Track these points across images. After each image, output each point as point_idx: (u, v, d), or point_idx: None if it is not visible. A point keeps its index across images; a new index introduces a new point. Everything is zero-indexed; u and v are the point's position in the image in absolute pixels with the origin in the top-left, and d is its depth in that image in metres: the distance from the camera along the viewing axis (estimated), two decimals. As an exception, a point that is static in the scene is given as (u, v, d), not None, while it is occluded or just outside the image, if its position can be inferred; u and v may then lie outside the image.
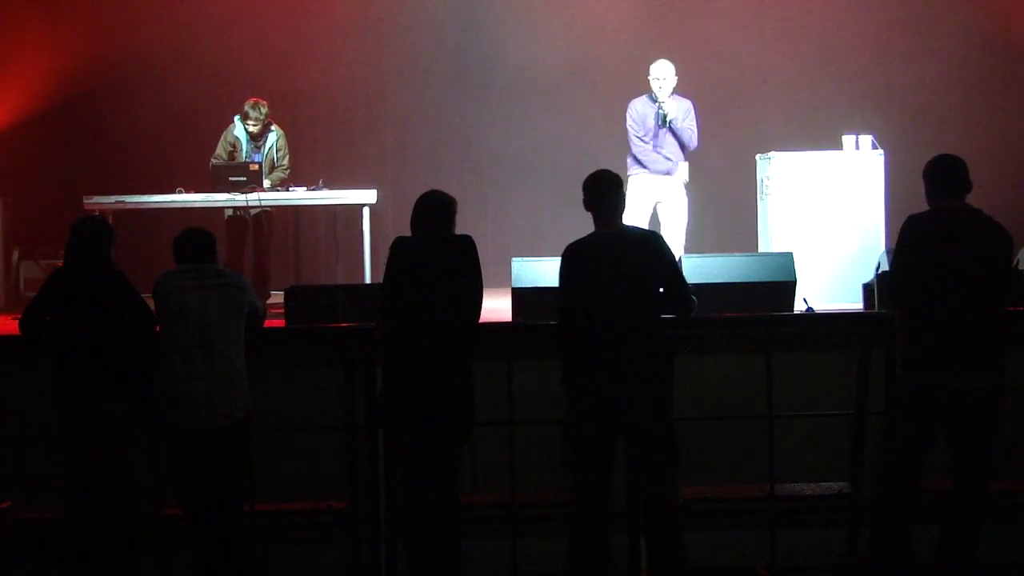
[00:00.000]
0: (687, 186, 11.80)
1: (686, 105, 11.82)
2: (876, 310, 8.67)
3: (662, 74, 11.75)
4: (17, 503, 8.83)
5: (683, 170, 11.78)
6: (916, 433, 7.10)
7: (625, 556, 8.06)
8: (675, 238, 11.53)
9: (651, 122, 11.71)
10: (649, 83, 11.78)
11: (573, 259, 7.34)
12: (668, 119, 11.64)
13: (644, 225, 11.48)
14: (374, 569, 8.52)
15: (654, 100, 11.76)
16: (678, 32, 14.28)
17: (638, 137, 11.74)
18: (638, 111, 11.82)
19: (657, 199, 11.72)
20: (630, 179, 11.68)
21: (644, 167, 11.66)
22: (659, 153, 11.59)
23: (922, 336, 7.08)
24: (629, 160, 11.78)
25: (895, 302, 7.37)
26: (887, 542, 7.19)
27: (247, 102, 12.44)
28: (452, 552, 7.50)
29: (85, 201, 11.85)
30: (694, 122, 11.79)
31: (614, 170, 7.55)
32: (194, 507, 7.62)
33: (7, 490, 8.87)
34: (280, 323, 8.90)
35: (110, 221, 11.46)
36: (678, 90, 11.73)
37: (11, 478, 8.86)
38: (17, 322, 7.84)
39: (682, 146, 11.74)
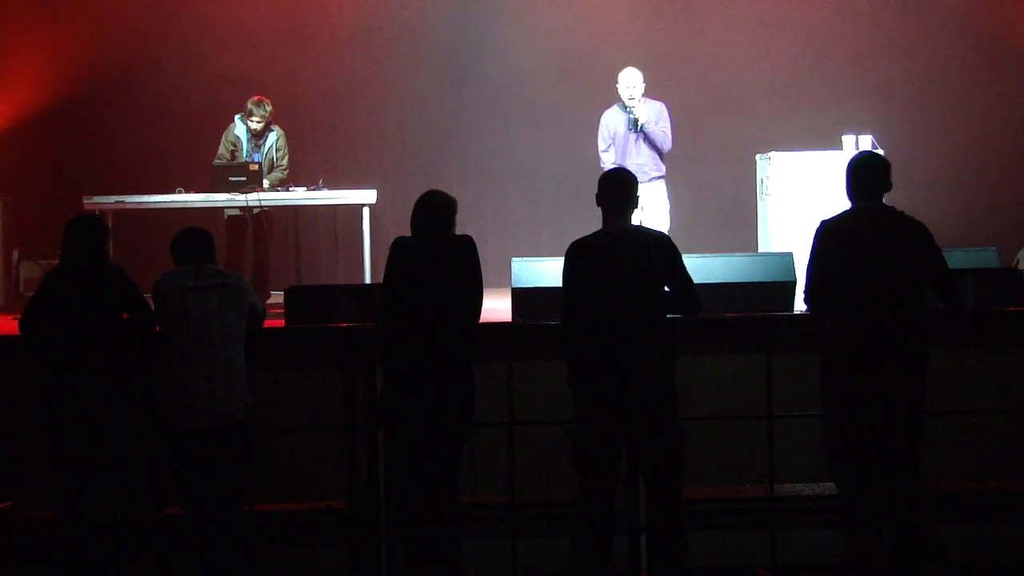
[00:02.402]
0: (670, 195, 11.87)
1: (657, 107, 11.92)
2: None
3: (630, 83, 11.91)
4: (17, 503, 8.83)
5: (659, 189, 11.84)
6: (851, 433, 7.13)
7: (625, 556, 8.06)
8: None
9: (622, 129, 11.85)
10: (618, 92, 11.92)
11: (577, 257, 7.33)
12: (640, 124, 11.76)
13: None
14: (374, 569, 8.53)
15: (625, 108, 11.89)
16: (678, 32, 14.30)
17: (603, 152, 11.90)
18: (608, 122, 12.01)
19: (641, 204, 11.63)
20: None
21: None
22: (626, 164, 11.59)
23: (841, 337, 7.12)
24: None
25: (812, 308, 7.39)
26: (855, 541, 7.23)
27: (251, 100, 12.45)
28: (452, 552, 7.49)
29: (85, 201, 11.85)
30: (667, 123, 11.87)
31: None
32: (194, 507, 7.62)
33: (7, 490, 8.88)
34: (280, 323, 8.91)
35: (110, 221, 11.53)
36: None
37: (11, 478, 8.87)
38: (17, 322, 7.84)
39: (656, 150, 11.81)
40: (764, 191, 11.50)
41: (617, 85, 11.95)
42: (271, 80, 14.32)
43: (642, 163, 11.70)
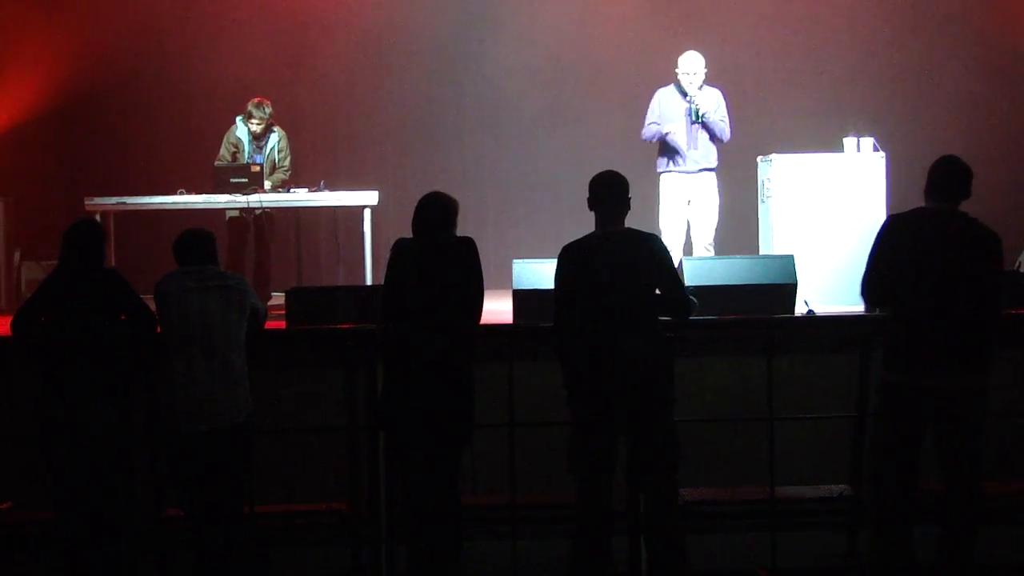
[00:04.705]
0: (720, 188, 11.59)
1: (716, 95, 11.55)
2: (876, 313, 8.65)
3: (692, 68, 11.50)
4: (18, 503, 8.84)
5: (710, 181, 11.53)
6: (904, 434, 7.08)
7: (625, 558, 8.06)
8: (704, 236, 11.46)
9: (676, 114, 11.43)
10: (677, 76, 11.54)
11: (569, 260, 7.33)
12: (701, 113, 11.39)
13: (679, 223, 11.46)
14: (375, 570, 8.53)
15: (683, 93, 11.50)
16: (678, 35, 14.27)
17: (647, 124, 11.51)
18: (661, 101, 11.54)
19: (689, 196, 11.49)
20: (661, 177, 11.53)
21: (673, 165, 11.46)
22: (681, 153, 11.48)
23: (904, 337, 7.08)
24: (659, 159, 11.57)
25: (869, 299, 7.36)
26: (886, 544, 7.17)
27: (251, 101, 12.45)
28: (453, 553, 7.50)
29: (86, 202, 11.84)
30: (726, 112, 11.53)
31: (623, 170, 7.50)
32: (195, 508, 7.63)
33: (8, 490, 8.89)
34: (281, 324, 8.91)
35: (111, 222, 11.54)
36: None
37: (11, 478, 8.88)
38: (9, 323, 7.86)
39: (713, 137, 11.45)
40: (765, 193, 11.48)
41: (676, 69, 11.54)
42: (272, 81, 14.32)
43: (697, 154, 11.43)
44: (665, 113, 11.51)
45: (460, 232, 7.58)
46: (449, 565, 7.48)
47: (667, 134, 11.41)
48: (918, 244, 7.05)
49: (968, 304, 6.99)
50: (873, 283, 7.17)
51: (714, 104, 11.49)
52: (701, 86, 11.53)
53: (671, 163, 11.48)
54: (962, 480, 7.08)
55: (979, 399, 7.05)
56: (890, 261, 7.09)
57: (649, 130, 11.56)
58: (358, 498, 8.64)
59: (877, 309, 8.15)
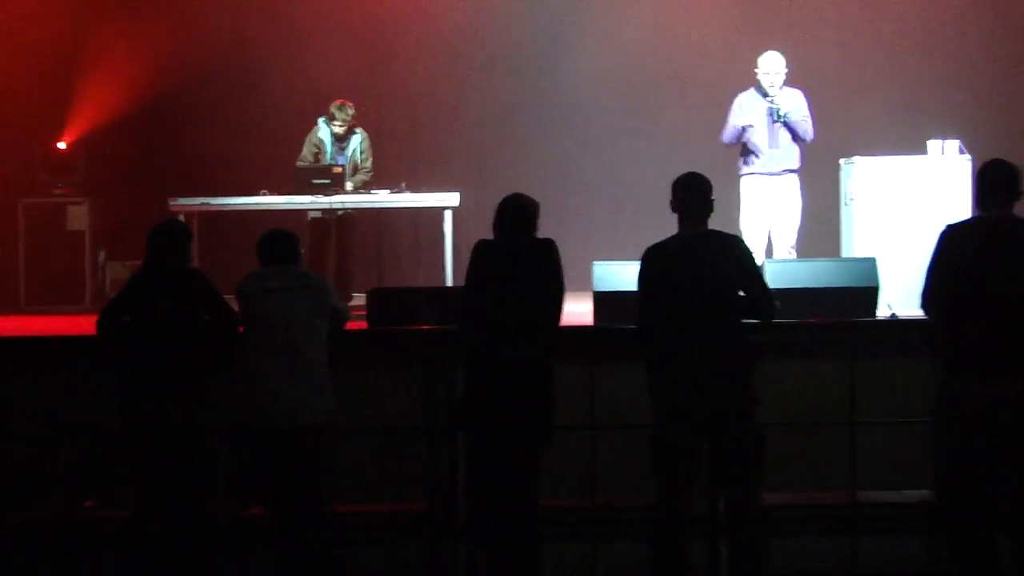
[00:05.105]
0: (803, 191, 11.49)
1: (797, 96, 11.45)
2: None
3: (772, 68, 11.41)
4: (101, 502, 8.92)
5: (792, 184, 11.42)
6: (968, 441, 7.02)
7: (704, 562, 8.03)
8: (786, 239, 11.36)
9: (759, 116, 11.33)
10: (757, 77, 11.46)
11: (652, 262, 7.30)
12: (782, 114, 11.28)
13: (761, 226, 11.39)
14: (452, 572, 8.55)
15: (764, 95, 11.41)
16: (759, 36, 14.18)
17: (731, 125, 11.39)
18: (743, 104, 11.44)
19: (772, 199, 11.38)
20: (742, 179, 11.46)
21: (754, 166, 11.37)
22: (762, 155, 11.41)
23: (962, 343, 7.01)
24: (740, 160, 11.50)
25: (930, 312, 7.28)
26: (964, 551, 7.10)
27: (333, 103, 12.51)
28: (531, 556, 7.50)
29: (170, 203, 11.95)
30: (808, 112, 11.42)
31: (705, 172, 7.47)
32: (275, 507, 7.67)
33: (91, 488, 8.96)
34: (362, 325, 8.95)
35: (195, 223, 11.64)
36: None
37: (95, 477, 8.95)
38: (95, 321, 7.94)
39: (796, 138, 11.33)
40: (848, 196, 11.40)
41: (756, 70, 11.47)
42: (354, 83, 14.36)
43: (779, 154, 11.34)
44: (747, 115, 11.42)
45: (541, 233, 7.58)
46: (527, 567, 7.48)
47: (746, 127, 11.32)
48: (978, 253, 6.98)
49: None
50: (934, 295, 7.12)
51: (795, 104, 11.40)
52: (782, 87, 11.45)
53: (752, 164, 11.39)
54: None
55: None
56: (947, 272, 7.04)
57: (728, 130, 11.48)
58: (437, 499, 8.66)
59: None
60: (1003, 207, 7.07)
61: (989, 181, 7.12)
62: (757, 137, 11.36)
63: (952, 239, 7.11)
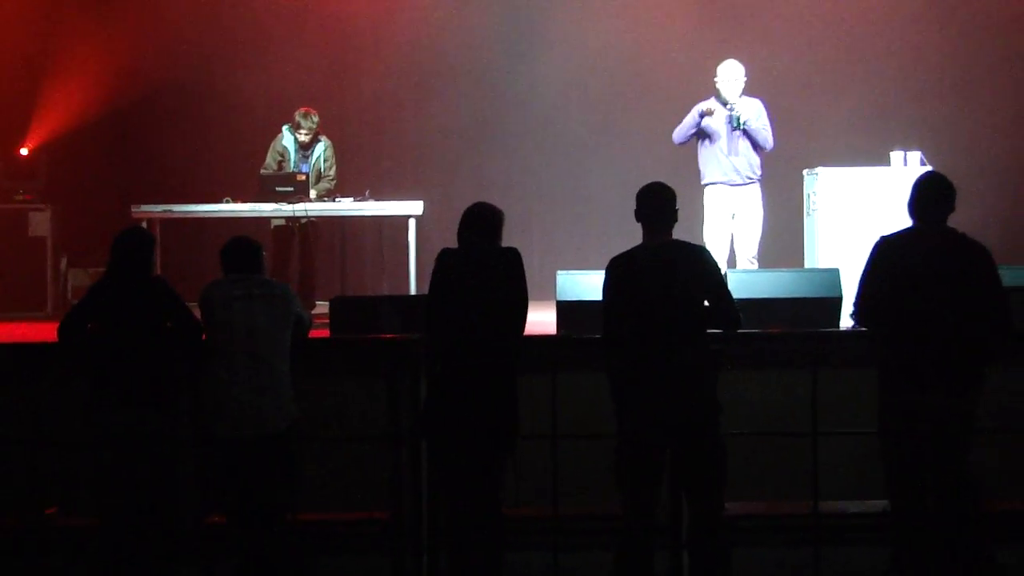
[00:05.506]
0: (765, 200, 11.54)
1: (756, 104, 11.48)
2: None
3: (730, 75, 11.43)
4: (63, 509, 8.88)
5: (754, 193, 11.45)
6: (906, 450, 7.11)
7: (666, 571, 8.04)
8: (747, 250, 11.39)
9: (718, 125, 11.36)
10: (716, 86, 11.48)
11: (618, 271, 7.30)
12: (742, 121, 11.29)
13: (723, 236, 11.40)
14: (416, 580, 8.54)
15: (724, 103, 11.41)
16: (725, 49, 14.26)
17: (692, 112, 11.38)
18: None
19: (733, 209, 11.42)
20: (706, 189, 11.47)
21: (716, 176, 11.39)
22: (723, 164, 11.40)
23: (898, 356, 7.08)
24: (702, 170, 11.49)
25: (861, 321, 7.35)
26: (914, 560, 7.21)
27: (298, 111, 12.50)
28: (494, 564, 7.49)
29: (133, 210, 11.92)
30: (767, 121, 11.45)
31: (670, 182, 7.47)
32: (237, 516, 7.65)
33: (53, 495, 8.92)
34: (325, 333, 8.94)
35: (157, 230, 11.60)
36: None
37: (56, 483, 8.91)
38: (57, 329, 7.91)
39: (756, 147, 11.36)
40: (811, 207, 11.44)
41: (715, 79, 11.49)
42: (318, 91, 14.37)
43: (739, 164, 11.37)
44: (706, 122, 11.43)
45: (505, 243, 7.58)
46: (490, 575, 7.48)
47: (704, 112, 11.32)
48: (912, 264, 7.09)
49: (961, 324, 7.03)
50: (866, 304, 7.20)
51: (755, 112, 11.44)
52: (740, 95, 11.48)
53: (713, 174, 11.41)
54: (953, 499, 7.17)
55: (967, 418, 7.11)
56: (881, 283, 7.11)
57: (681, 126, 11.46)
58: (400, 507, 8.64)
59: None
60: (939, 220, 7.17)
61: (927, 193, 7.24)
62: (714, 145, 11.40)
63: (887, 250, 7.23)
